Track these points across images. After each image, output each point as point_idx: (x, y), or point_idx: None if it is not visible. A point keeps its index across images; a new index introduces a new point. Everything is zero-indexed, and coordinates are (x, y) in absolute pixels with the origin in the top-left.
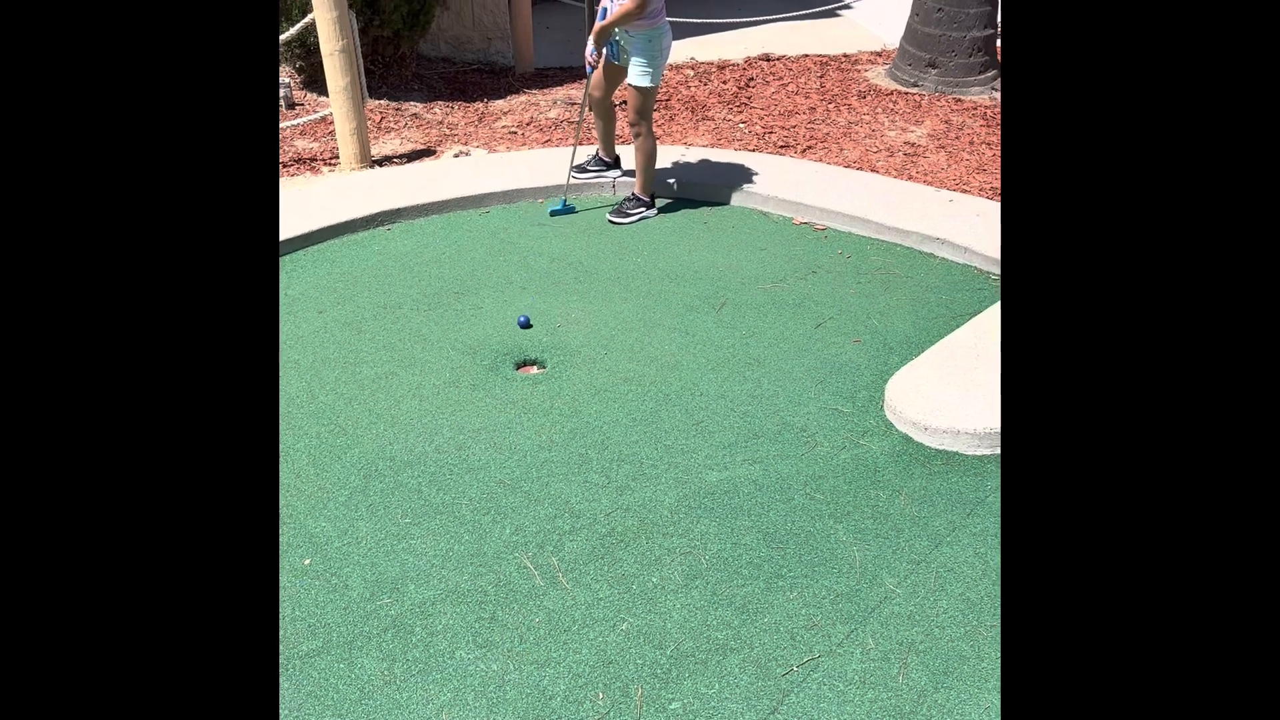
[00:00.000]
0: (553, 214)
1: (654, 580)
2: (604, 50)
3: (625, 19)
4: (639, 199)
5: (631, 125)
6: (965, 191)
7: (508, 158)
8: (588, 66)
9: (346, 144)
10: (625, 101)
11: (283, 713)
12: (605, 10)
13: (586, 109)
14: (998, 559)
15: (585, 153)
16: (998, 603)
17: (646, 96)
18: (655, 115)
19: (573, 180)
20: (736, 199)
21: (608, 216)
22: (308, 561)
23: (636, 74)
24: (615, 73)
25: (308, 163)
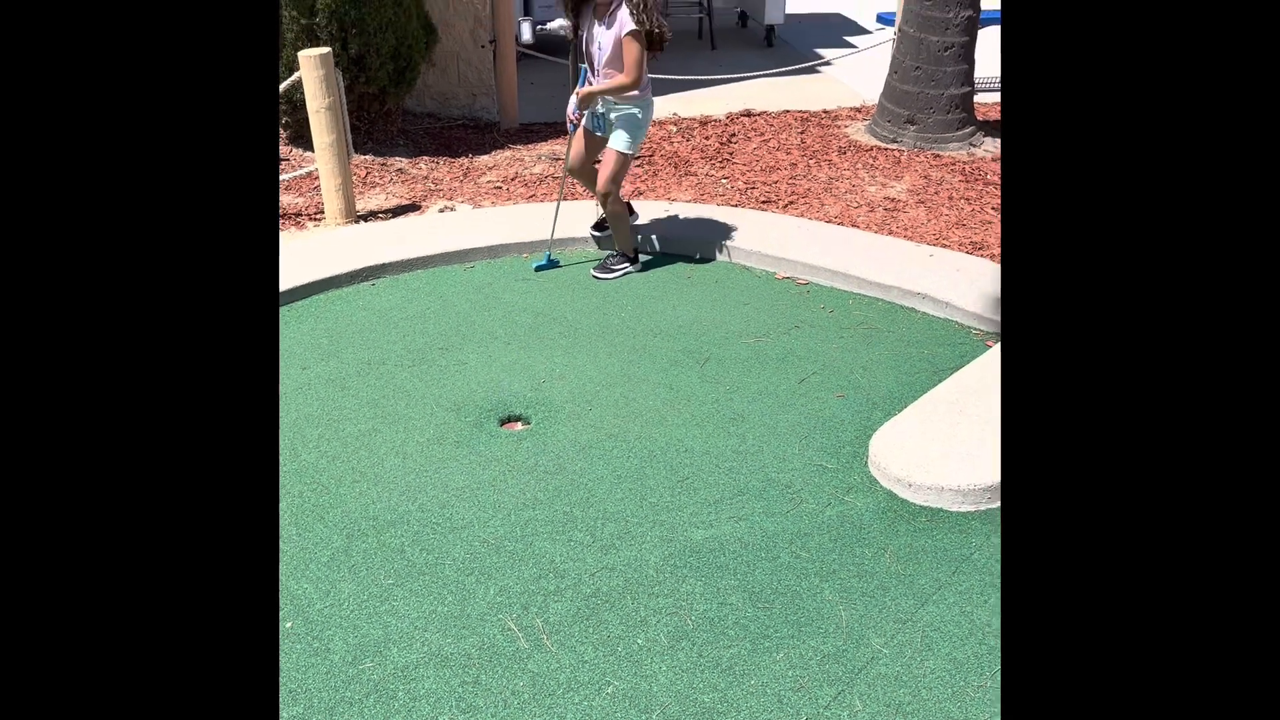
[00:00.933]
0: (538, 269)
1: (640, 642)
2: (584, 115)
3: (620, 90)
4: (623, 255)
5: (602, 189)
6: (945, 246)
7: (492, 213)
8: (569, 125)
9: (331, 199)
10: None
11: None
12: (585, 70)
13: (568, 172)
14: (984, 618)
15: (568, 208)
16: (985, 663)
17: (625, 163)
18: (638, 171)
19: (556, 236)
20: (719, 254)
21: (591, 272)
22: (289, 624)
23: (621, 141)
24: (596, 144)
25: (293, 218)
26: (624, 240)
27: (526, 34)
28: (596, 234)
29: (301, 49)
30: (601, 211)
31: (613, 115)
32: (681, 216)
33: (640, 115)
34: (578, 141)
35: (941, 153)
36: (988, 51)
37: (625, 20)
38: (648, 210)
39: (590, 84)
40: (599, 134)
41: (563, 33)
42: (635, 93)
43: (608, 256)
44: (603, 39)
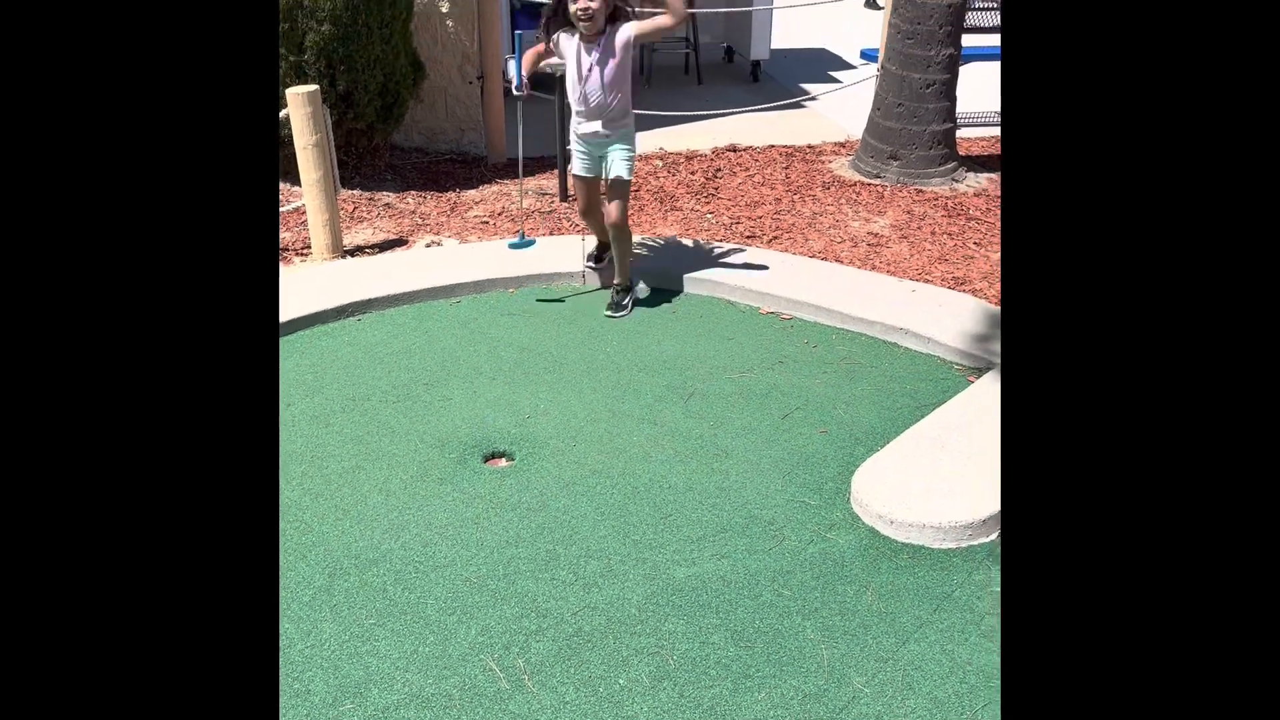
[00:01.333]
0: (511, 248)
1: (621, 682)
2: (528, 81)
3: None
4: (623, 287)
5: (618, 221)
6: (928, 281)
7: (479, 248)
8: (515, 90)
9: (319, 235)
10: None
11: None
12: (518, 66)
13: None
14: (965, 655)
15: (553, 243)
16: (966, 701)
17: (629, 187)
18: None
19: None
20: (704, 288)
21: (606, 314)
22: None
23: (625, 167)
24: (595, 185)
25: (280, 253)
26: (627, 266)
27: (514, 72)
28: (594, 266)
29: (290, 86)
30: (588, 241)
31: (612, 147)
32: (666, 251)
33: (633, 142)
34: (581, 190)
35: (924, 188)
36: (969, 88)
37: (628, 29)
38: (634, 244)
39: (524, 80)
40: (600, 171)
41: (550, 70)
42: (630, 114)
43: (615, 292)
44: (597, 64)
